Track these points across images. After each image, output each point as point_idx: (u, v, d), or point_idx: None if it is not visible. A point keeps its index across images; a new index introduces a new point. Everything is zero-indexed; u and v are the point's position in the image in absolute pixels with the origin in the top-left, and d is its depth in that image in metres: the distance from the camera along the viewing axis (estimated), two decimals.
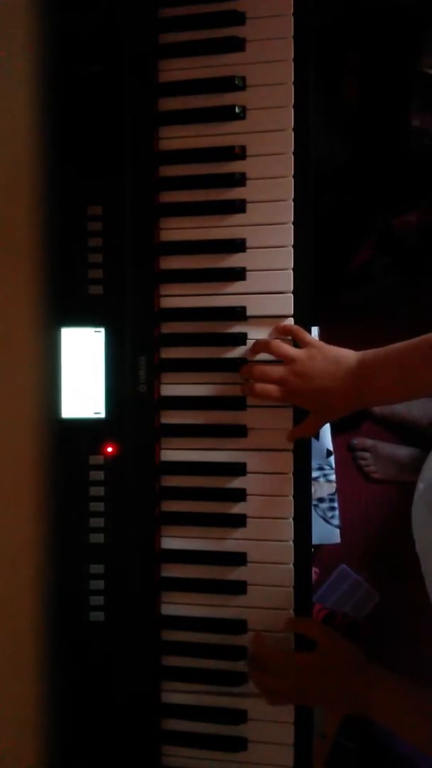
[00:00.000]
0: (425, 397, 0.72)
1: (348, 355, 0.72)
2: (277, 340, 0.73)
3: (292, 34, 0.71)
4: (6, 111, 0.67)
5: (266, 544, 0.74)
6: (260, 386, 0.72)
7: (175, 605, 0.75)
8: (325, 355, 0.72)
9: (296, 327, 0.73)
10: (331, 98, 1.13)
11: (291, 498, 0.73)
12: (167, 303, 0.75)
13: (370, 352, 0.72)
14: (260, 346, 0.73)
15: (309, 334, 0.73)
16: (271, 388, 0.72)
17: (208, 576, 0.75)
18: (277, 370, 0.72)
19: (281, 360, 0.73)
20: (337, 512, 1.22)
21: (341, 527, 1.23)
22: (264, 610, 0.74)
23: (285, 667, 0.72)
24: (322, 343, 0.73)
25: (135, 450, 0.74)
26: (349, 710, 0.72)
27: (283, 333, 0.73)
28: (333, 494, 1.22)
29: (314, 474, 1.21)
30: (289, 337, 0.73)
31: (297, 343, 0.73)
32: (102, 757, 0.74)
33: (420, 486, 0.79)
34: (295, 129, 0.72)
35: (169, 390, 0.75)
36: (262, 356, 0.74)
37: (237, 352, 0.74)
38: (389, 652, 1.27)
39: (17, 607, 0.67)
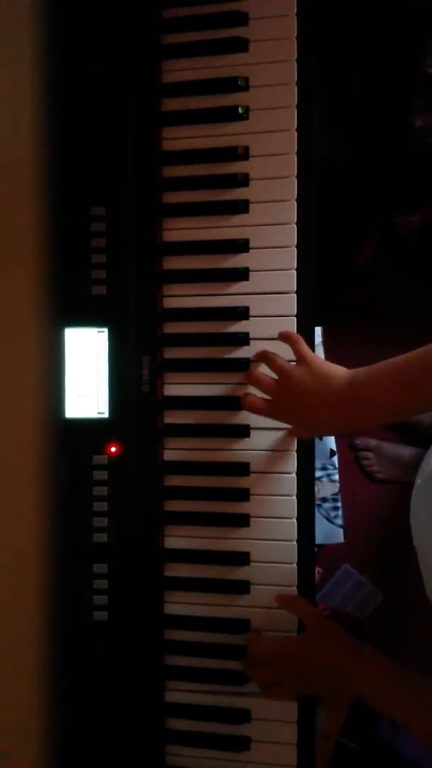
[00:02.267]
0: (427, 412, 0.68)
1: (337, 375, 0.67)
2: (274, 354, 0.71)
3: (295, 34, 0.71)
4: (8, 112, 0.67)
5: (269, 544, 0.74)
6: (250, 400, 0.71)
7: (178, 605, 0.75)
8: (314, 373, 0.68)
9: (296, 336, 0.70)
10: (334, 98, 1.13)
11: (294, 498, 0.73)
12: (170, 303, 0.75)
13: (361, 371, 0.66)
14: (260, 355, 0.72)
15: (306, 346, 0.70)
16: (260, 404, 0.70)
17: (211, 575, 0.75)
18: (268, 381, 0.70)
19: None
20: (340, 512, 1.22)
21: (344, 527, 1.23)
22: (267, 610, 0.74)
23: (276, 656, 0.71)
24: (315, 359, 0.69)
25: (138, 450, 0.75)
26: (342, 692, 0.71)
27: (283, 339, 0.71)
28: (336, 494, 1.22)
29: (317, 474, 1.21)
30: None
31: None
32: (106, 756, 0.74)
33: (418, 481, 0.79)
34: (298, 129, 0.72)
35: (172, 390, 0.75)
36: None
37: (240, 352, 0.74)
38: (393, 652, 1.27)
39: (20, 606, 0.67)
